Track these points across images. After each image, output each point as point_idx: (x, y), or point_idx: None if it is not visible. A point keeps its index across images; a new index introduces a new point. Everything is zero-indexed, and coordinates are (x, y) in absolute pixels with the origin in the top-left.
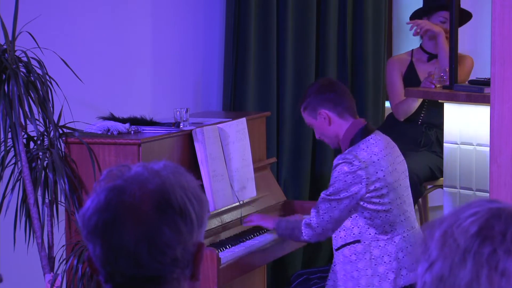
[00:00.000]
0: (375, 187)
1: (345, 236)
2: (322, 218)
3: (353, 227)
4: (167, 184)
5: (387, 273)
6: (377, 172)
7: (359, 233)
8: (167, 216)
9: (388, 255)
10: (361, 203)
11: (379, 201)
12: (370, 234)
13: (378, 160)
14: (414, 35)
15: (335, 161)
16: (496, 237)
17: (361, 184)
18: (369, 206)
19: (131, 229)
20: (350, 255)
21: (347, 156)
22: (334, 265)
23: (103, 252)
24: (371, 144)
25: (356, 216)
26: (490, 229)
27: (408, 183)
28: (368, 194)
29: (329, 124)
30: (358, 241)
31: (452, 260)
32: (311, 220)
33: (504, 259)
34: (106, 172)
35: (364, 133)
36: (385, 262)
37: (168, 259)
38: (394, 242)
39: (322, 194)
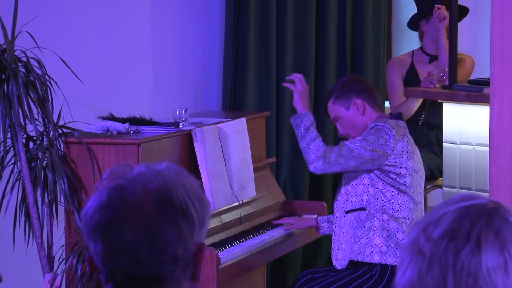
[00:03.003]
0: (395, 162)
1: (355, 201)
2: (338, 160)
3: (362, 195)
4: (169, 183)
5: (381, 246)
6: (402, 152)
7: (367, 201)
8: (168, 215)
9: (388, 230)
10: (380, 174)
11: (396, 178)
12: (377, 205)
13: (407, 142)
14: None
15: (374, 123)
16: (460, 239)
17: (386, 152)
18: (386, 179)
19: (132, 228)
20: (354, 221)
21: (388, 121)
22: (336, 228)
23: (104, 250)
24: (405, 127)
25: (368, 184)
26: (454, 231)
27: (423, 183)
28: (387, 167)
29: (363, 113)
30: (364, 209)
31: (419, 268)
32: (329, 156)
33: (468, 260)
34: (109, 172)
35: (400, 117)
36: (382, 236)
37: (169, 257)
38: (397, 222)
39: (351, 140)
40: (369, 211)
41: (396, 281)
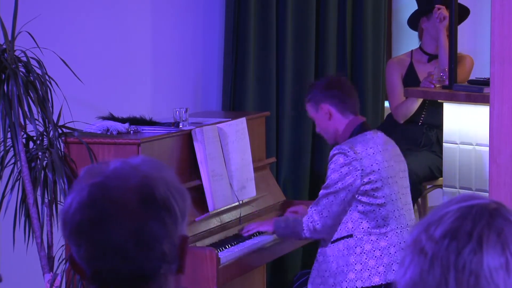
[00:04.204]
0: (369, 179)
1: (340, 230)
2: (321, 214)
3: (347, 222)
4: (149, 178)
5: (378, 267)
6: (372, 165)
7: (352, 228)
8: (152, 210)
9: (380, 249)
10: (357, 196)
11: (374, 194)
12: (362, 228)
13: (373, 153)
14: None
15: (331, 152)
16: (462, 238)
17: (356, 175)
18: (363, 199)
19: (118, 225)
20: (343, 249)
21: (342, 147)
22: (320, 256)
23: (89, 250)
24: (368, 138)
25: (350, 211)
26: (456, 230)
27: (408, 183)
28: (362, 187)
29: (329, 119)
30: (351, 236)
31: (421, 268)
32: (311, 217)
33: (469, 260)
34: (85, 170)
35: (362, 128)
36: (375, 257)
37: (156, 253)
38: (387, 237)
39: (322, 189)
40: (356, 237)
41: (397, 280)
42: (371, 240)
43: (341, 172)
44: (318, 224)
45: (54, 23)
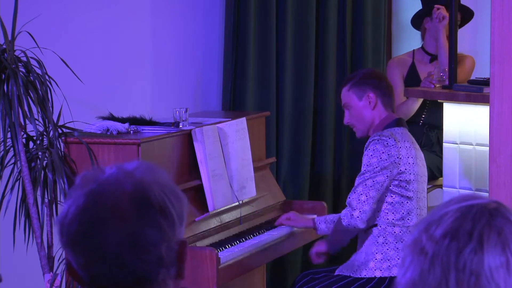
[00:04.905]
0: (405, 169)
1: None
2: (359, 199)
3: (375, 211)
4: (143, 183)
5: (398, 259)
6: (408, 157)
7: (378, 218)
8: (148, 216)
9: (401, 242)
10: (390, 186)
11: (406, 186)
12: (387, 219)
13: (409, 147)
14: (439, 22)
15: (371, 138)
16: (462, 238)
17: (394, 162)
18: (396, 189)
19: (113, 232)
20: (369, 238)
21: (383, 133)
22: (359, 246)
23: (86, 258)
24: (405, 133)
25: (378, 200)
26: (456, 230)
27: (426, 187)
28: (398, 176)
29: (373, 108)
30: (375, 225)
31: (421, 267)
32: (350, 205)
33: (470, 259)
34: (80, 177)
35: (398, 123)
36: (397, 248)
37: (153, 258)
38: (409, 231)
39: (357, 177)
40: (380, 226)
41: (397, 280)
42: (395, 232)
43: (381, 158)
44: (356, 209)
45: (54, 23)
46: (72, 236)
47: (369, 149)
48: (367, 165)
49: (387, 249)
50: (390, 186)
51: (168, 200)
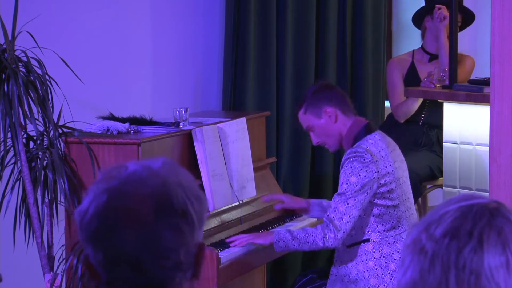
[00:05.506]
0: (385, 181)
1: (355, 234)
2: (342, 220)
3: (362, 226)
4: (167, 184)
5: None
6: (386, 167)
7: (368, 232)
8: (169, 220)
9: (398, 251)
10: (373, 200)
11: (389, 196)
12: (379, 232)
13: (385, 155)
14: (440, 21)
15: (346, 156)
16: (462, 237)
17: (373, 178)
18: (379, 201)
19: (132, 235)
20: (361, 255)
21: (358, 150)
22: (337, 261)
23: (104, 258)
24: (377, 140)
25: (364, 215)
26: (456, 229)
27: (409, 183)
28: (379, 189)
29: (335, 121)
30: (368, 240)
31: (421, 267)
32: (333, 225)
33: (470, 259)
34: (103, 173)
35: (367, 130)
36: (395, 259)
37: (171, 263)
38: (402, 238)
39: (336, 196)
40: (373, 241)
41: (397, 280)
42: (388, 243)
43: (359, 175)
44: (340, 230)
45: (54, 23)
46: (91, 234)
47: (346, 167)
48: (346, 184)
49: (385, 263)
50: (374, 200)
51: (190, 204)
